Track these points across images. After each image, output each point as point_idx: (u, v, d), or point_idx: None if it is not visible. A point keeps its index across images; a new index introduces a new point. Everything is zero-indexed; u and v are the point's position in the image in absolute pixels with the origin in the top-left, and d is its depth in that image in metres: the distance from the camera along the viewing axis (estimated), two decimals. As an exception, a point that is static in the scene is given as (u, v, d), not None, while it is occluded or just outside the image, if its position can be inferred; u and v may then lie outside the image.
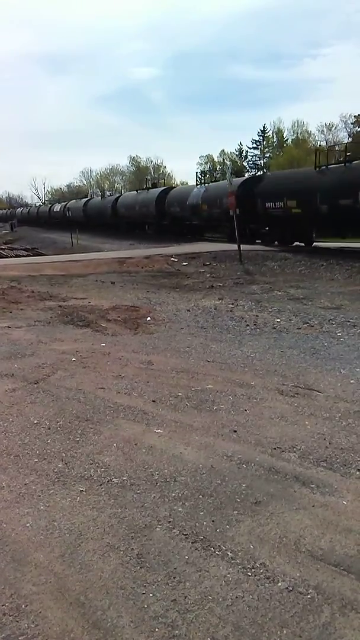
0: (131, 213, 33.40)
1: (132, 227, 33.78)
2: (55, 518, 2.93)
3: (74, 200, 50.46)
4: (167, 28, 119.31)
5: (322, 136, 62.54)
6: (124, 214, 34.79)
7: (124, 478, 3.35)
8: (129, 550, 2.63)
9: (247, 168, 66.15)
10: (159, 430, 4.09)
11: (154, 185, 35.96)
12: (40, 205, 68.49)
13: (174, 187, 35.99)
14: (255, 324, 8.27)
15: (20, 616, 2.21)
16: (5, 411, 4.53)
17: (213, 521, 2.87)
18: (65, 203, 50.45)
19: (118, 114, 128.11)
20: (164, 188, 33.10)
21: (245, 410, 4.50)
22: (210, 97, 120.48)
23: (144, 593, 2.33)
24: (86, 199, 47.64)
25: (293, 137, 66.21)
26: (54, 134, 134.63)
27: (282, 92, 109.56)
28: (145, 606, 2.25)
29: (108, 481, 3.32)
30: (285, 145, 65.27)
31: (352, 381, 5.28)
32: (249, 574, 2.44)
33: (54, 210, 52.87)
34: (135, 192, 35.47)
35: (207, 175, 33.11)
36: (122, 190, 48.61)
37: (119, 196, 39.03)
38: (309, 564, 2.51)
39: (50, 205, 59.06)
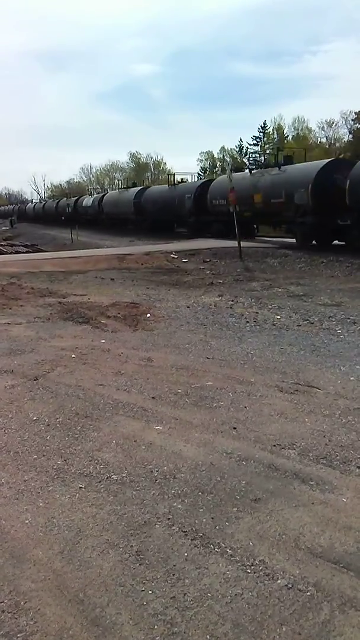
0: (241, 207, 18.46)
1: (229, 228, 18.84)
2: (55, 515, 2.92)
3: (117, 191, 37.59)
4: (166, 25, 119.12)
5: (323, 133, 62.44)
6: (219, 210, 21.24)
7: (124, 475, 3.35)
8: (128, 547, 2.63)
9: (248, 164, 65.99)
10: (158, 427, 4.09)
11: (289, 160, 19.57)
12: (59, 199, 53.25)
13: (336, 157, 22.61)
14: (255, 321, 8.26)
15: (19, 613, 2.20)
16: (4, 407, 4.52)
17: (212, 518, 2.86)
18: (101, 195, 38.99)
19: (118, 111, 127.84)
20: (329, 161, 17.87)
21: (245, 407, 4.49)
22: (210, 94, 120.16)
23: (143, 590, 2.32)
24: (138, 187, 33.30)
25: (293, 134, 66.10)
26: (54, 131, 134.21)
27: (282, 89, 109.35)
28: (145, 603, 2.24)
29: (107, 478, 3.31)
30: (285, 141, 65.12)
31: (352, 378, 5.27)
32: (249, 571, 2.43)
33: (83, 204, 40.01)
34: (247, 172, 21.10)
35: (208, 172, 32.27)
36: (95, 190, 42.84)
37: (206, 181, 25.52)
38: (308, 561, 2.51)
39: (75, 198, 45.60)
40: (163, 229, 27.21)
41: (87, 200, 40.13)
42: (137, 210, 29.42)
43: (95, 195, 40.82)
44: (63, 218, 42.11)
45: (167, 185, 28.34)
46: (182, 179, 29.52)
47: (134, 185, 36.78)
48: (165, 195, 26.97)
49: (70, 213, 40.08)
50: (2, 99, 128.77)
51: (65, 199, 49.43)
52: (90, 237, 29.42)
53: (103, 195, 37.86)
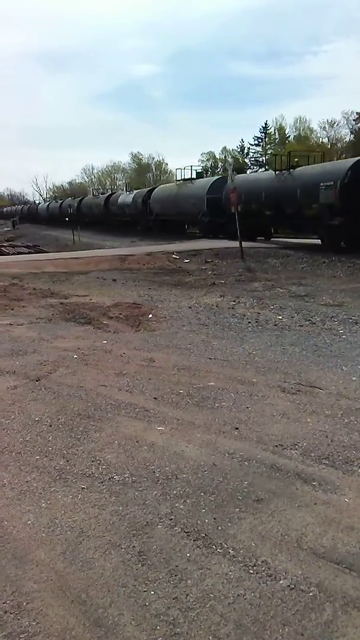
0: None
1: None
2: (57, 516, 2.92)
3: (172, 184, 28.37)
4: (166, 25, 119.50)
5: (324, 133, 62.43)
6: None
7: (126, 475, 3.35)
8: (131, 547, 2.63)
9: (249, 165, 66.04)
10: (160, 428, 4.09)
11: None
12: (82, 197, 44.53)
13: None
14: (257, 321, 8.25)
15: (21, 614, 2.20)
16: (6, 408, 4.52)
17: (215, 519, 2.86)
18: (148, 189, 31.15)
19: (119, 111, 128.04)
20: None
21: (247, 407, 4.49)
22: (211, 94, 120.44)
23: (145, 591, 2.32)
24: (213, 178, 25.53)
25: (295, 134, 66.09)
26: (55, 131, 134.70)
27: (283, 89, 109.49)
28: (147, 604, 2.24)
29: (109, 479, 3.31)
30: (287, 142, 65.11)
31: (354, 378, 5.26)
32: (251, 571, 2.43)
33: (118, 202, 32.62)
34: None
35: (209, 172, 31.33)
36: (124, 188, 35.55)
37: None
38: (311, 561, 2.50)
39: (107, 194, 37.88)
40: (263, 234, 19.23)
41: (125, 198, 32.05)
42: (213, 209, 20.92)
43: (137, 191, 32.42)
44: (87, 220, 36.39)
45: (272, 171, 19.68)
46: (184, 178, 28.79)
47: (200, 175, 27.09)
48: (272, 187, 17.94)
49: (97, 215, 34.18)
50: (3, 99, 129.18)
51: (92, 196, 42.52)
52: (92, 237, 29.42)
53: (151, 190, 30.38)
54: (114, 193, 37.66)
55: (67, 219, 34.96)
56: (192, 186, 24.87)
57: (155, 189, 30.46)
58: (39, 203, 64.49)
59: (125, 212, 31.69)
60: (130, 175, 79.01)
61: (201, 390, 4.91)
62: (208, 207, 22.34)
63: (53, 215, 46.13)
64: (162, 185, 31.36)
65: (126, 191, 34.37)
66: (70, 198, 49.90)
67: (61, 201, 49.84)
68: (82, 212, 38.39)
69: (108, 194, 38.63)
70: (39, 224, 48.89)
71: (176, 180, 28.44)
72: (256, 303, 9.93)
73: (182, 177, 25.50)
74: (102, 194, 40.74)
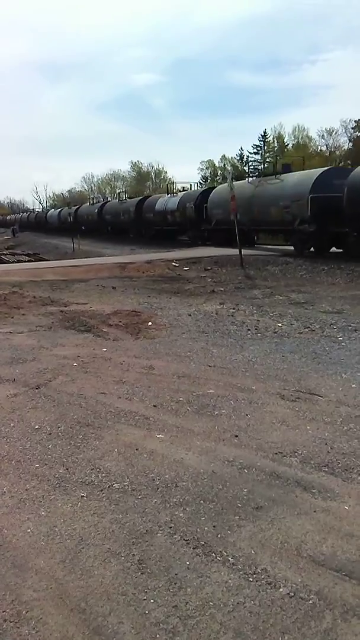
0: None
1: None
2: (56, 524, 2.92)
3: (247, 182, 21.43)
4: (167, 35, 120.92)
5: (323, 141, 62.84)
6: None
7: (125, 483, 3.35)
8: (130, 556, 2.63)
9: (248, 173, 66.35)
10: (160, 435, 4.09)
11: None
12: (104, 202, 39.53)
13: None
14: (256, 329, 8.26)
15: (21, 622, 2.20)
16: (6, 416, 4.53)
17: (214, 526, 2.86)
18: (200, 192, 25.32)
19: (119, 120, 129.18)
20: None
21: (247, 414, 4.49)
22: (211, 103, 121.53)
23: (145, 599, 2.32)
24: (316, 171, 17.17)
25: (294, 142, 66.50)
26: (55, 141, 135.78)
27: (282, 97, 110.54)
28: (146, 612, 2.24)
29: (109, 486, 3.31)
30: (286, 150, 65.46)
31: (353, 385, 5.26)
32: (251, 579, 2.43)
33: (156, 208, 27.19)
34: None
35: (209, 181, 31.17)
36: (167, 191, 28.84)
37: None
38: (310, 569, 2.50)
39: (139, 198, 32.39)
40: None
41: (167, 202, 25.93)
42: (323, 213, 15.08)
43: (183, 193, 26.09)
44: (110, 228, 31.97)
45: None
46: (183, 188, 28.91)
47: (288, 168, 19.05)
48: None
49: (126, 221, 29.82)
50: (4, 108, 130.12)
51: (118, 201, 36.15)
52: (92, 245, 29.47)
53: (206, 192, 24.16)
54: (149, 196, 32.02)
55: (83, 227, 31.12)
56: (281, 184, 17.54)
57: (214, 190, 23.67)
58: (48, 210, 60.57)
59: (168, 219, 25.72)
60: (130, 184, 79.41)
61: (201, 397, 4.92)
62: (313, 211, 15.58)
63: (65, 224, 40.76)
64: (224, 185, 22.90)
65: (167, 194, 27.90)
66: (87, 204, 44.60)
67: (77, 207, 44.58)
68: (105, 220, 33.87)
69: (140, 198, 33.16)
70: (47, 232, 46.44)
71: (248, 176, 22.61)
72: (255, 310, 9.95)
73: (231, 175, 18.36)
74: (129, 199, 35.20)
